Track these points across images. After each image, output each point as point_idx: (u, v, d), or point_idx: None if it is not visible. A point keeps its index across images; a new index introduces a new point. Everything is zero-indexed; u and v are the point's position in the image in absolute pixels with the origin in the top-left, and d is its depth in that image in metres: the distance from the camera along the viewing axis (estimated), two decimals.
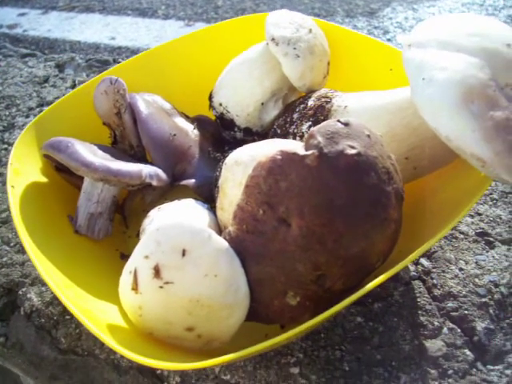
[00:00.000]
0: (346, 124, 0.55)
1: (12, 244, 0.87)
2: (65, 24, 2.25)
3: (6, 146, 1.10)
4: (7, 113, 1.21)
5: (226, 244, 0.54)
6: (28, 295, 0.78)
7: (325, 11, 2.08)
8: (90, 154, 0.72)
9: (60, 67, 1.42)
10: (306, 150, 0.52)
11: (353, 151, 0.52)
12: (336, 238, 0.51)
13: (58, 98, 1.24)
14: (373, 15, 2.00)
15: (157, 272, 0.53)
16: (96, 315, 0.61)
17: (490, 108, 0.52)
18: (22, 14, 2.39)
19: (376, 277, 0.52)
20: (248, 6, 2.19)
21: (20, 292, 0.79)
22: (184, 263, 0.53)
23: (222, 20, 2.06)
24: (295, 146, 0.54)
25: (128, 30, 2.11)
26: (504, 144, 0.51)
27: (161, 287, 0.53)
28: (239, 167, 0.61)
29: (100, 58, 1.43)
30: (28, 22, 2.30)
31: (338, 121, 0.55)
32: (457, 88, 0.53)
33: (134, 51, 1.91)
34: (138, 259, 0.54)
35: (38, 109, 1.22)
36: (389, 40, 1.82)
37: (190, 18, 2.15)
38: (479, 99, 0.52)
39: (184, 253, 0.53)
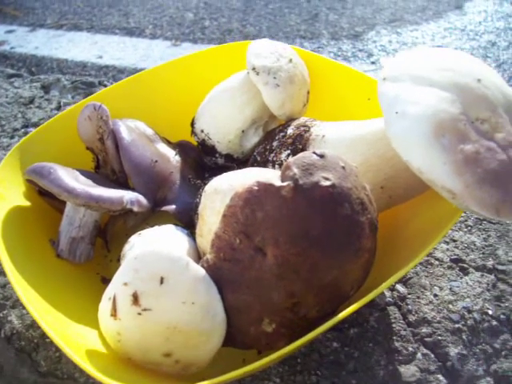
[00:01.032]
0: (322, 156, 0.56)
1: None
2: (52, 42, 2.25)
3: None
4: None
5: (203, 272, 0.55)
6: (9, 318, 0.78)
7: (310, 33, 2.10)
8: (72, 179, 0.73)
9: (45, 88, 1.43)
10: (282, 181, 0.54)
11: (327, 183, 0.53)
12: (310, 267, 0.53)
13: (43, 119, 1.25)
14: (357, 38, 2.03)
15: (135, 299, 0.54)
16: (75, 340, 0.62)
17: (460, 141, 0.54)
18: (10, 31, 2.39)
19: (351, 304, 0.54)
20: (234, 27, 2.21)
21: (1, 314, 0.79)
22: (162, 290, 0.54)
23: (208, 40, 2.09)
24: (272, 177, 0.55)
25: (115, 49, 2.12)
26: (473, 177, 0.52)
27: (139, 314, 0.54)
28: (218, 196, 0.62)
29: (85, 80, 1.44)
30: (16, 39, 2.31)
31: (314, 152, 0.56)
32: (428, 122, 0.54)
33: (120, 70, 1.92)
34: (117, 286, 0.55)
35: (22, 130, 1.23)
36: (373, 63, 1.84)
37: (177, 38, 2.16)
38: (450, 133, 0.54)
39: (162, 280, 0.54)
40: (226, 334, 0.57)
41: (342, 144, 0.70)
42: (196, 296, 0.54)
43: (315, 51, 1.16)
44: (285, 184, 0.53)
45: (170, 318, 0.54)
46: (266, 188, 0.53)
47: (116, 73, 1.92)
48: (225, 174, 0.66)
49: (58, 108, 1.31)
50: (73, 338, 0.62)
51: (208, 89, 0.90)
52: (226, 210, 0.55)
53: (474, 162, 0.53)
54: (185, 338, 0.55)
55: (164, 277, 0.54)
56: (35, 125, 1.22)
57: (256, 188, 0.54)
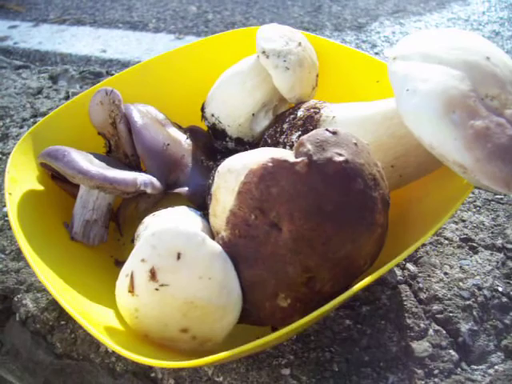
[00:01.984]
0: (334, 133, 0.57)
1: (7, 252, 0.88)
2: (56, 37, 2.26)
3: (0, 155, 1.12)
4: (1, 123, 1.22)
5: (219, 248, 0.56)
6: (23, 301, 0.79)
7: (314, 25, 2.10)
8: (87, 162, 0.74)
9: (53, 79, 1.44)
10: (296, 157, 0.55)
11: (341, 158, 0.54)
12: (325, 241, 0.53)
13: (51, 109, 1.25)
14: (361, 29, 2.04)
15: (153, 275, 0.55)
16: (93, 318, 0.63)
17: (470, 117, 0.55)
18: (13, 27, 2.40)
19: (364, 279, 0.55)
20: (238, 19, 2.21)
21: (15, 298, 0.80)
22: (179, 266, 0.55)
23: (212, 33, 2.09)
24: (286, 154, 0.56)
25: (119, 43, 2.13)
26: (484, 151, 0.53)
27: (156, 289, 0.55)
28: (232, 175, 0.63)
29: (93, 70, 1.45)
30: (19, 34, 2.31)
31: (327, 130, 0.57)
32: (439, 98, 0.55)
33: (124, 64, 1.92)
34: (135, 262, 0.56)
35: (31, 119, 1.23)
36: (376, 53, 1.85)
37: (181, 31, 2.17)
38: (460, 109, 0.55)
39: (179, 256, 0.55)
40: (242, 310, 0.58)
41: (353, 124, 0.70)
42: (212, 271, 0.55)
43: None
44: (299, 160, 0.54)
45: (187, 293, 0.55)
46: (280, 164, 0.54)
47: (120, 66, 1.92)
48: (237, 154, 0.66)
49: (67, 98, 1.32)
50: (91, 316, 0.63)
51: (217, 74, 0.90)
52: (241, 186, 0.56)
53: (484, 137, 0.54)
54: (201, 313, 0.56)
55: (181, 252, 0.55)
56: (44, 114, 1.22)
57: (270, 164, 0.55)
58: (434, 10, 2.12)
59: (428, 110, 0.55)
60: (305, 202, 0.53)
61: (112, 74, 1.41)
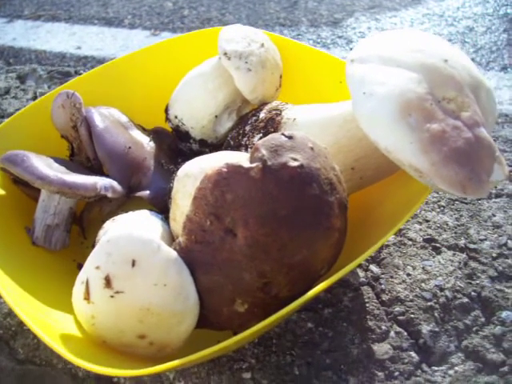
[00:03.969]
0: (290, 137, 0.57)
1: None
2: (30, 33, 2.23)
3: None
4: None
5: (174, 254, 0.56)
6: None
7: (290, 21, 2.10)
8: (46, 167, 0.73)
9: (21, 79, 1.42)
10: (251, 162, 0.54)
11: (295, 163, 0.54)
12: (280, 246, 0.53)
13: (19, 109, 1.24)
14: (336, 25, 2.03)
15: (108, 282, 0.54)
16: (51, 325, 0.62)
17: (426, 121, 0.55)
18: None
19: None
20: (214, 15, 2.20)
21: None
22: (134, 273, 0.54)
23: (188, 29, 2.08)
24: (241, 159, 0.55)
25: (94, 40, 2.10)
26: (439, 155, 0.53)
27: (112, 296, 0.54)
28: (189, 179, 0.62)
29: (61, 70, 1.43)
30: None
31: (283, 134, 0.57)
32: (395, 102, 0.55)
33: (99, 61, 1.90)
34: (90, 270, 0.55)
35: None
36: (352, 49, 1.85)
37: (157, 27, 2.15)
38: (416, 112, 0.55)
39: (134, 263, 0.54)
40: (200, 316, 0.58)
41: (313, 126, 0.70)
42: (167, 278, 0.55)
43: (294, 39, 1.16)
44: (253, 165, 0.53)
45: (143, 300, 0.55)
46: (234, 169, 0.54)
47: (95, 63, 1.90)
48: (196, 158, 0.66)
49: (34, 98, 1.30)
50: (49, 324, 0.62)
51: (183, 75, 0.89)
52: (197, 192, 0.56)
53: (440, 140, 0.54)
54: (158, 319, 0.56)
55: (136, 259, 0.54)
56: (11, 115, 1.21)
57: (225, 170, 0.54)
58: (409, 5, 2.13)
59: (384, 114, 0.55)
60: (259, 207, 0.53)
61: (80, 74, 1.39)
